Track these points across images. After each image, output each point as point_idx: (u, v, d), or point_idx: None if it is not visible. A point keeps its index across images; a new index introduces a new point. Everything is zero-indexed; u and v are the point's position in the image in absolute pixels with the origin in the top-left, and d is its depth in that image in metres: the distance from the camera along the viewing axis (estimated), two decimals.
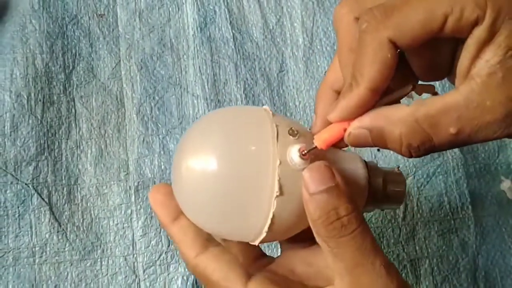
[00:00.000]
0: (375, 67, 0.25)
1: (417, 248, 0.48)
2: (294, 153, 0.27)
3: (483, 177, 0.52)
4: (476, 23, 0.23)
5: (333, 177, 0.26)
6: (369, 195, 0.32)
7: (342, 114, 0.27)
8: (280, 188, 0.27)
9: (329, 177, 0.26)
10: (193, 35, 0.51)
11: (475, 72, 0.24)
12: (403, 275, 0.48)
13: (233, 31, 0.51)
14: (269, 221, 0.27)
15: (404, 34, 0.24)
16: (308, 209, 0.27)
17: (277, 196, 0.27)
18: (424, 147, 0.25)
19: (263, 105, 0.50)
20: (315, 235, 0.27)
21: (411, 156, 0.26)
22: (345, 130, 0.27)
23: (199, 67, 0.50)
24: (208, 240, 0.30)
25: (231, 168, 0.27)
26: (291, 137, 0.28)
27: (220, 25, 0.51)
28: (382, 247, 0.48)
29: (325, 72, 0.52)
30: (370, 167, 0.32)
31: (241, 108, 0.33)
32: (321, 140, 0.28)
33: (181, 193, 0.30)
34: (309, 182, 0.26)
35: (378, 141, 0.27)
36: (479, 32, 0.23)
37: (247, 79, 0.51)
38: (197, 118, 0.49)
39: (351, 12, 0.28)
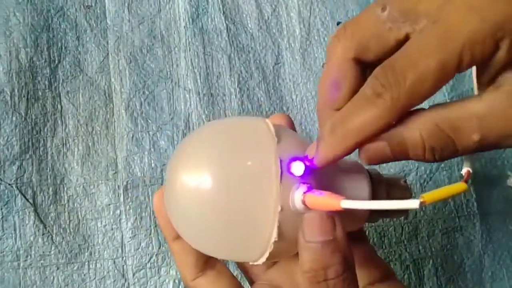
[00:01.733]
0: None
1: (420, 247, 0.46)
2: (297, 199, 0.26)
3: (489, 173, 0.50)
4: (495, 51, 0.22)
5: (332, 230, 0.24)
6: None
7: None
8: (280, 234, 0.26)
9: (329, 229, 0.24)
10: (184, 26, 0.49)
11: (502, 81, 0.23)
12: (406, 276, 0.45)
13: (227, 22, 0.49)
14: (264, 258, 0.27)
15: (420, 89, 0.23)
16: (300, 256, 0.25)
17: (275, 242, 0.26)
18: (448, 150, 0.24)
19: (258, 99, 0.48)
20: (300, 281, 0.26)
21: (435, 161, 0.24)
22: (336, 211, 0.25)
23: (191, 60, 0.48)
24: (207, 262, 0.31)
25: (235, 184, 0.26)
26: (295, 174, 0.26)
27: (213, 15, 0.49)
28: (384, 247, 0.46)
29: (323, 64, 0.50)
30: (373, 178, 0.30)
31: (241, 121, 0.31)
32: (312, 206, 0.25)
33: (174, 211, 0.28)
34: (307, 230, 0.24)
35: (399, 149, 0.25)
36: (499, 57, 0.22)
37: (241, 72, 0.48)
38: (189, 113, 0.46)
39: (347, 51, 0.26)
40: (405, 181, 0.31)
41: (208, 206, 0.26)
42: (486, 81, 0.24)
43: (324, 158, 0.25)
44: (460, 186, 0.23)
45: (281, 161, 0.26)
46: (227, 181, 0.26)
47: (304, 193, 0.25)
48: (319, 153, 0.25)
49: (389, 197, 0.30)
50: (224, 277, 0.31)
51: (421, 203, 0.21)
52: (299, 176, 0.26)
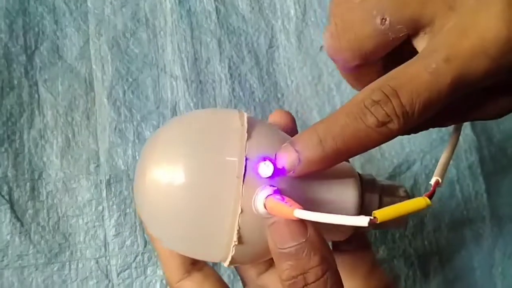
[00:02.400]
0: None
1: (425, 243, 0.43)
2: (259, 202, 0.24)
3: (499, 161, 0.46)
4: None
5: (303, 231, 0.23)
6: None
7: None
8: (241, 238, 0.24)
9: (299, 231, 0.23)
10: (170, 8, 0.45)
11: None
12: (411, 273, 0.43)
13: (216, 3, 0.46)
14: (227, 262, 0.26)
15: None
16: (276, 265, 0.23)
17: (235, 245, 0.24)
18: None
19: (250, 85, 0.45)
20: None
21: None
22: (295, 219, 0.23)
23: (178, 44, 0.44)
24: (193, 264, 0.30)
25: (199, 183, 0.24)
26: (262, 174, 0.24)
27: None
28: (386, 243, 0.43)
29: (321, 47, 0.47)
30: (365, 183, 0.28)
31: (213, 114, 0.29)
32: (271, 212, 0.23)
33: (143, 206, 0.27)
34: (275, 236, 0.23)
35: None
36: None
37: (232, 56, 0.45)
38: (176, 101, 0.43)
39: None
40: (405, 191, 0.29)
41: (173, 203, 0.25)
42: None
43: (305, 170, 0.23)
44: (420, 202, 0.20)
45: (247, 159, 0.24)
46: (191, 177, 0.24)
47: (267, 196, 0.23)
48: (302, 166, 0.23)
49: (381, 205, 0.28)
50: (210, 280, 0.30)
51: (371, 221, 0.19)
52: (268, 178, 0.24)
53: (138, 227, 0.40)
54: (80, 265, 0.39)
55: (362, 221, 0.19)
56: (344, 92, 0.46)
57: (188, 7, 0.45)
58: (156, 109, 0.43)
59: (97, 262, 0.40)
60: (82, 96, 0.42)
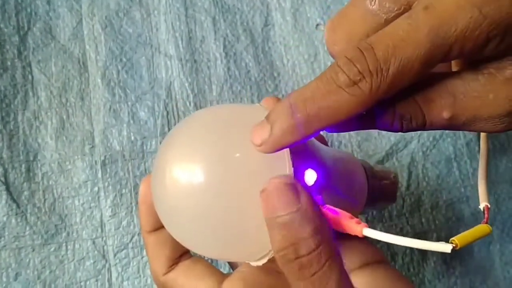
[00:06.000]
0: None
1: (423, 220, 0.43)
2: None
3: (497, 139, 0.46)
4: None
5: (295, 200, 0.21)
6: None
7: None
8: None
9: (290, 199, 0.21)
10: None
11: (482, 65, 0.22)
12: (407, 251, 0.42)
13: None
14: (262, 262, 0.24)
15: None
16: (270, 236, 0.22)
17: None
18: (416, 122, 0.23)
19: (246, 64, 0.44)
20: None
21: (401, 130, 0.23)
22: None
23: (172, 23, 0.44)
24: (180, 257, 0.29)
25: (232, 188, 0.22)
26: (308, 182, 0.23)
27: None
28: (383, 220, 0.43)
29: (317, 25, 0.46)
30: (367, 172, 0.30)
31: (242, 110, 0.27)
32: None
33: (163, 205, 0.25)
34: (266, 205, 0.21)
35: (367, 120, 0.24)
36: (485, 51, 0.21)
37: (227, 35, 0.44)
38: (171, 81, 0.43)
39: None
40: (395, 176, 0.31)
41: (203, 206, 0.23)
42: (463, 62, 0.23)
43: (278, 143, 0.22)
44: (485, 229, 0.22)
45: (294, 166, 0.22)
46: (227, 181, 0.22)
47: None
48: (273, 136, 0.21)
49: (382, 189, 0.31)
50: (199, 264, 0.29)
51: (453, 248, 0.20)
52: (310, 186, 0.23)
53: (134, 208, 0.40)
54: (76, 246, 0.39)
55: (445, 247, 0.20)
56: None
57: None
58: (150, 89, 0.42)
59: (93, 243, 0.40)
60: (75, 77, 0.42)
